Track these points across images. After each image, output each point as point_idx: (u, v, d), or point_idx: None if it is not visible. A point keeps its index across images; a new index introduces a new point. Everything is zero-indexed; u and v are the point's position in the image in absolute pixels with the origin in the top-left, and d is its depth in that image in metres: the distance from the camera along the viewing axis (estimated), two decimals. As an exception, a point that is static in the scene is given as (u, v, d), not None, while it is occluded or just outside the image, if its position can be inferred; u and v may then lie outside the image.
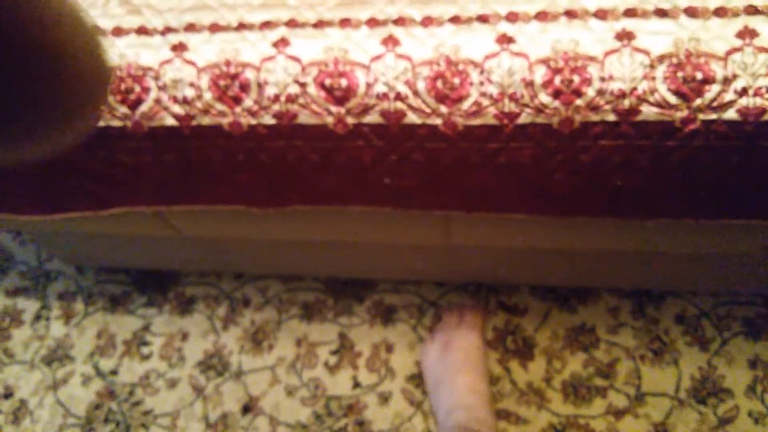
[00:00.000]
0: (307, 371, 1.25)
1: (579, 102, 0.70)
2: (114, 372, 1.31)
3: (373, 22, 0.76)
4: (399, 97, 0.74)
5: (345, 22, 0.77)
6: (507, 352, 1.20)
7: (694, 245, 0.91)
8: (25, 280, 1.45)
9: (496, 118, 0.72)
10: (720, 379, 1.12)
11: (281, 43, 0.77)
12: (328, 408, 1.21)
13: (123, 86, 0.80)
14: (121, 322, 1.36)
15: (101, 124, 0.82)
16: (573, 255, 1.03)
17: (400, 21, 0.75)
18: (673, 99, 0.68)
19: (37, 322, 1.39)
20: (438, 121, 0.74)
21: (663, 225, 0.81)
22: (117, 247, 1.24)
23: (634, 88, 0.69)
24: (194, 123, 0.80)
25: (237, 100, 0.78)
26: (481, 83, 0.72)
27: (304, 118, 0.77)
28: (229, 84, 0.78)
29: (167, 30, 0.81)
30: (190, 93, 0.79)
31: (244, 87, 0.77)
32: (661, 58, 0.68)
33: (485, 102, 0.72)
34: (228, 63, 0.78)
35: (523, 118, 0.72)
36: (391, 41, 0.75)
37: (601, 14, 0.71)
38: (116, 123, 0.82)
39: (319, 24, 0.77)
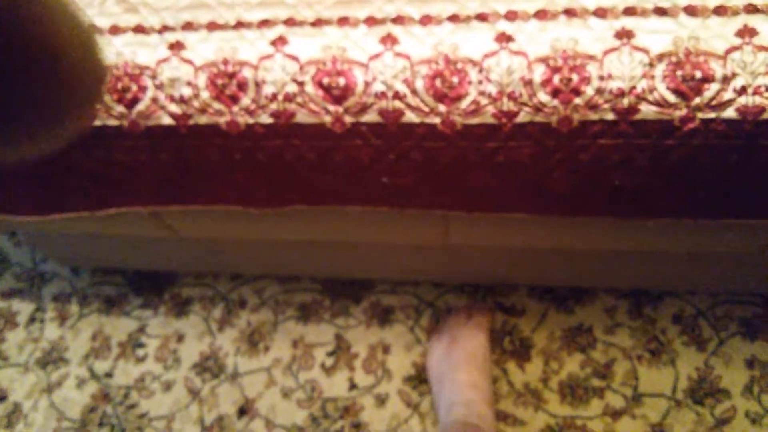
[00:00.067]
0: (304, 373, 1.24)
1: (578, 101, 0.70)
2: (109, 374, 1.30)
3: (371, 21, 0.76)
4: (397, 95, 0.74)
5: (343, 21, 0.76)
6: (504, 353, 1.20)
7: (692, 245, 0.91)
8: (20, 281, 1.45)
9: (494, 116, 0.72)
10: (717, 380, 1.12)
11: (279, 41, 0.77)
12: (324, 410, 1.21)
13: (120, 85, 0.80)
14: (117, 324, 1.35)
15: (97, 123, 0.82)
16: (571, 255, 1.02)
17: (398, 19, 0.75)
18: (672, 98, 0.68)
19: (31, 324, 1.39)
20: (436, 120, 0.74)
21: (662, 225, 0.81)
22: (113, 248, 1.23)
23: (633, 87, 0.69)
24: (191, 122, 0.79)
25: (234, 99, 0.78)
26: (480, 82, 0.72)
27: (302, 117, 0.76)
28: (227, 83, 0.77)
29: (164, 28, 0.80)
30: (187, 92, 0.79)
31: (242, 86, 0.77)
32: (661, 57, 0.68)
33: (484, 101, 0.72)
34: (226, 62, 0.77)
35: (522, 117, 0.72)
36: (389, 40, 0.74)
37: (601, 13, 0.71)
38: (113, 122, 0.81)
39: (318, 22, 0.77)
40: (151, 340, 1.32)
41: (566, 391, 1.15)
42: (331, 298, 1.31)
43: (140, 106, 0.80)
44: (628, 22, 0.70)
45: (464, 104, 0.72)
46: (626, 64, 0.69)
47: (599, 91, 0.69)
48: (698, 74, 0.67)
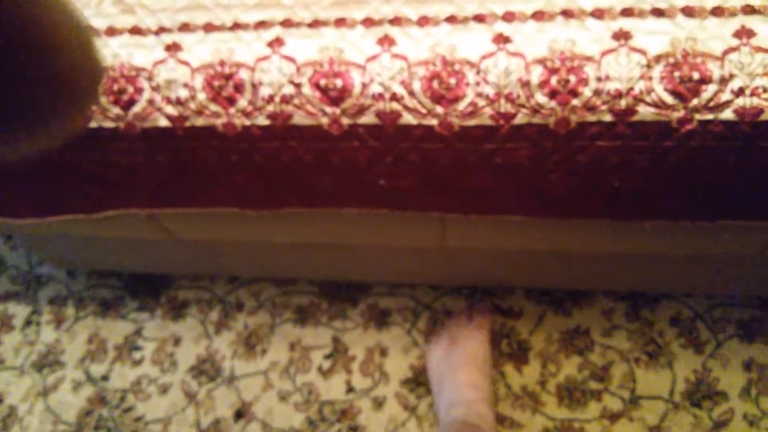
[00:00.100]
0: (301, 376, 1.24)
1: (575, 102, 0.70)
2: (105, 378, 1.30)
3: (368, 22, 0.76)
4: (395, 97, 0.74)
5: (340, 22, 0.76)
6: (502, 356, 1.19)
7: (690, 247, 0.91)
8: (16, 284, 1.44)
9: (492, 118, 0.72)
10: (715, 382, 1.12)
11: (276, 42, 0.77)
12: (321, 413, 1.20)
13: (116, 87, 0.80)
14: (113, 327, 1.35)
15: (94, 125, 0.82)
16: (569, 257, 1.02)
17: (396, 20, 0.75)
18: (669, 99, 0.68)
19: (27, 327, 1.38)
20: (434, 122, 0.74)
21: (660, 227, 0.81)
22: (109, 251, 1.23)
23: (631, 88, 0.69)
24: (188, 124, 0.79)
25: (231, 101, 0.77)
26: (478, 83, 0.72)
27: (299, 118, 0.76)
28: (224, 84, 0.77)
29: (161, 30, 0.80)
30: (183, 93, 0.78)
31: (239, 87, 0.77)
32: (658, 58, 0.68)
33: (481, 102, 0.72)
34: (222, 63, 0.77)
35: (520, 119, 0.72)
36: (386, 41, 0.74)
37: (598, 14, 0.71)
38: (109, 124, 0.81)
39: (315, 23, 0.77)
40: (148, 343, 1.32)
41: (564, 393, 1.15)
42: (328, 300, 1.30)
43: (136, 108, 0.80)
44: (626, 23, 0.70)
45: (462, 106, 0.72)
46: (624, 66, 0.69)
47: (597, 93, 0.69)
48: (696, 75, 0.67)
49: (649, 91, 0.68)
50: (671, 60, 0.68)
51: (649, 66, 0.68)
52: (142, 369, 1.29)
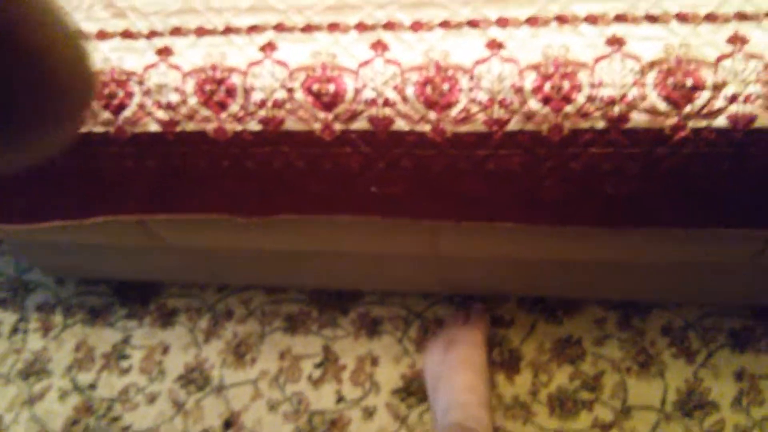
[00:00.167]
0: (290, 385, 1.23)
1: (569, 108, 0.70)
2: (92, 386, 1.28)
3: (361, 27, 0.75)
4: (387, 103, 0.73)
5: (333, 27, 0.76)
6: (493, 365, 1.19)
7: (682, 255, 0.90)
8: (3, 291, 1.42)
9: (485, 124, 0.72)
10: (706, 392, 1.12)
11: (268, 47, 0.76)
12: (311, 423, 1.19)
13: (106, 91, 0.79)
14: (101, 335, 1.33)
15: (83, 129, 0.81)
16: (561, 265, 1.02)
17: (389, 25, 0.75)
18: (663, 106, 0.68)
19: (14, 334, 1.36)
20: (426, 128, 0.73)
21: (652, 234, 0.80)
22: (98, 258, 1.22)
23: (624, 95, 0.69)
24: (178, 129, 0.79)
25: (223, 106, 0.77)
26: (471, 89, 0.72)
27: (291, 124, 0.76)
28: (215, 89, 0.77)
29: (152, 34, 0.80)
30: (174, 98, 0.78)
31: (231, 92, 0.76)
32: (652, 65, 0.68)
33: (474, 108, 0.72)
34: (214, 67, 0.77)
35: (513, 125, 0.72)
36: (380, 46, 0.74)
37: (592, 19, 0.71)
38: (99, 128, 0.80)
39: (308, 28, 0.76)
40: (136, 352, 1.30)
41: (555, 403, 1.14)
42: (319, 308, 1.29)
43: (127, 113, 0.79)
44: (619, 29, 0.70)
45: (454, 112, 0.72)
46: (617, 72, 0.69)
47: (590, 99, 0.69)
48: (689, 82, 0.67)
49: (643, 97, 0.68)
50: (665, 66, 0.68)
51: (642, 72, 0.68)
52: (130, 378, 1.28)
